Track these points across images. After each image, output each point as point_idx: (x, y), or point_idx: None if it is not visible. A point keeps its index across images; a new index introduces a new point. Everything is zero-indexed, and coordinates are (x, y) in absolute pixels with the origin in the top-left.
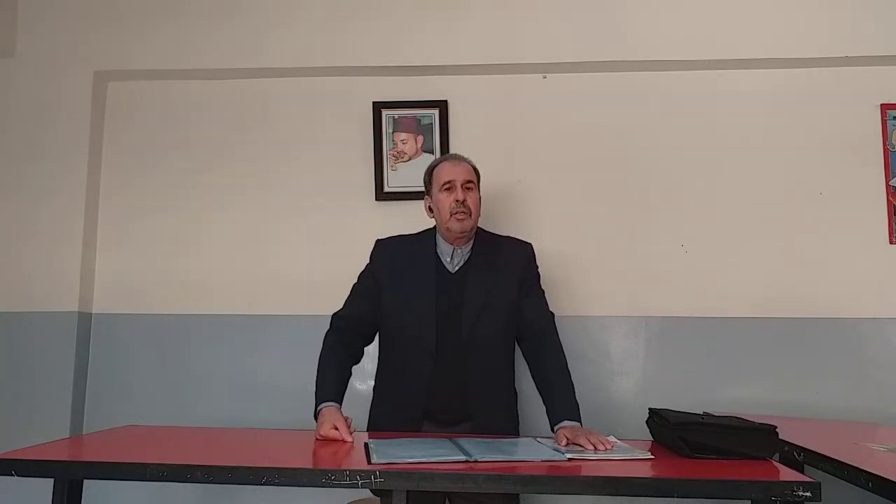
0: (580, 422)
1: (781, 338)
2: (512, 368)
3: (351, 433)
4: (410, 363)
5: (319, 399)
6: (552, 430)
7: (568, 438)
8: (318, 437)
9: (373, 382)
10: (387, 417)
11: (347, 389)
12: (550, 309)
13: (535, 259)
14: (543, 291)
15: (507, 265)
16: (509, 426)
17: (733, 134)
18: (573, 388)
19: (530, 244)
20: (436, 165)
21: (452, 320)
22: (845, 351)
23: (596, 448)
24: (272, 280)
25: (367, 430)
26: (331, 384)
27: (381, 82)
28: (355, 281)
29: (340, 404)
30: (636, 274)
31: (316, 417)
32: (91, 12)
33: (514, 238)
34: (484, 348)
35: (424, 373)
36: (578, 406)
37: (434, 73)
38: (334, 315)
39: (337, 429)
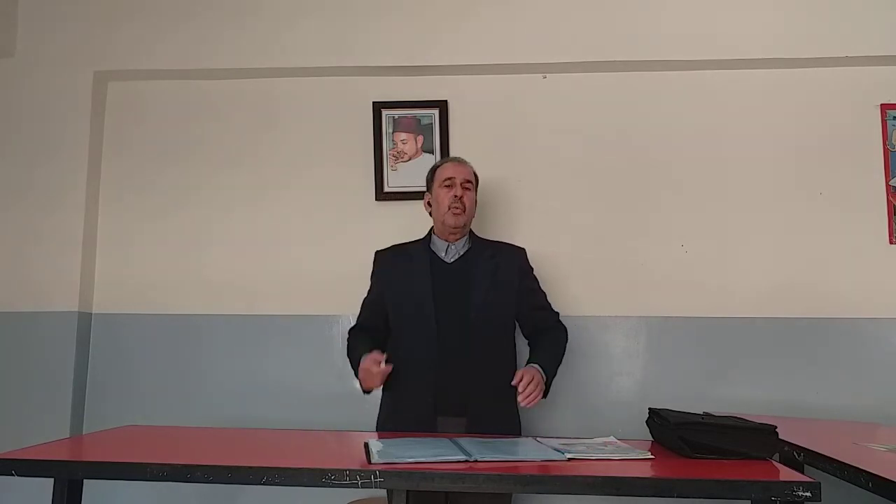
0: (546, 376)
1: (781, 338)
2: (514, 365)
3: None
4: (415, 350)
5: (357, 358)
6: None
7: (523, 373)
8: (362, 370)
9: None
10: (398, 416)
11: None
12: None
13: (528, 260)
14: (545, 293)
15: (505, 261)
16: (510, 423)
17: (733, 134)
18: (558, 356)
19: (523, 248)
20: (439, 165)
21: (452, 305)
22: (845, 351)
23: (519, 389)
24: (272, 280)
25: (377, 431)
26: (363, 348)
27: (381, 82)
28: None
29: None
30: (636, 274)
31: (358, 379)
32: (91, 12)
33: (507, 243)
34: (486, 334)
35: (429, 356)
36: (554, 367)
37: (434, 73)
38: (350, 328)
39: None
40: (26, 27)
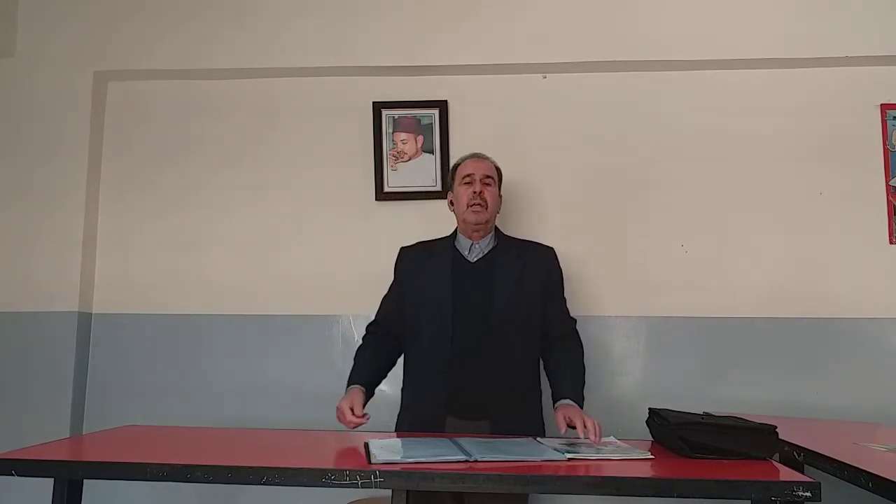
0: (581, 405)
1: (781, 338)
2: (537, 367)
3: (363, 416)
4: (430, 349)
5: (348, 384)
6: (553, 406)
7: (566, 416)
8: (338, 409)
9: (390, 385)
10: (412, 415)
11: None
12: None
13: (558, 261)
14: (565, 299)
15: (532, 261)
16: (533, 426)
17: (733, 134)
18: (583, 379)
19: (552, 248)
20: (459, 163)
21: (472, 306)
22: (845, 351)
23: (586, 427)
24: (272, 280)
25: (395, 431)
26: (359, 371)
27: (381, 82)
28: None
29: (369, 390)
30: (636, 274)
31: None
32: (91, 12)
33: (536, 241)
34: (507, 334)
35: (444, 356)
36: (583, 395)
37: (434, 73)
38: (368, 324)
39: (352, 408)
40: (26, 27)
